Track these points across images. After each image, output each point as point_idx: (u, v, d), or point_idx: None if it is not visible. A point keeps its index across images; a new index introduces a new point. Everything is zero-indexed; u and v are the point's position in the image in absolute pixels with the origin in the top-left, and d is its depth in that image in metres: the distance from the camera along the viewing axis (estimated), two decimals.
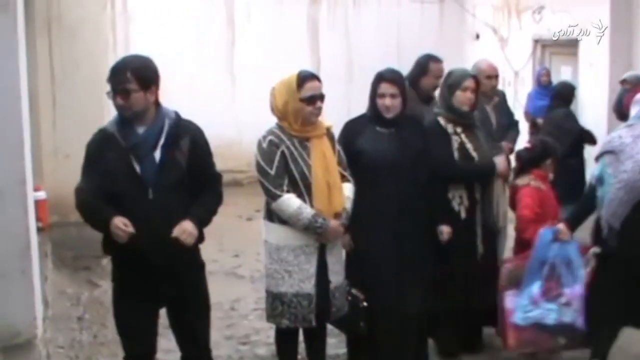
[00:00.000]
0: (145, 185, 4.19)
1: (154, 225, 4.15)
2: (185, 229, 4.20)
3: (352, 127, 5.46)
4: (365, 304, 5.24)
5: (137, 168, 4.21)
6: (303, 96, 4.91)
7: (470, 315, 5.93)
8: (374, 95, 5.40)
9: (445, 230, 5.65)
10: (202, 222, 4.33)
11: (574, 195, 6.26)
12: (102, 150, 4.23)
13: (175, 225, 4.20)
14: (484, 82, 6.81)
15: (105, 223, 4.11)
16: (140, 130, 4.24)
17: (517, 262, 5.67)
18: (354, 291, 5.24)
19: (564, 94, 9.44)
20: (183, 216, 4.24)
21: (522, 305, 5.39)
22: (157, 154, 4.24)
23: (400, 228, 5.33)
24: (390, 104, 5.31)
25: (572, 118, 9.33)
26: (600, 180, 5.05)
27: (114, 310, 4.51)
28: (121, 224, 4.08)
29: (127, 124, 4.23)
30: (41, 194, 9.02)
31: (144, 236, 4.10)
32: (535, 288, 5.37)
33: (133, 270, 4.29)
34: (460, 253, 5.77)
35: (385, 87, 5.34)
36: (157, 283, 4.29)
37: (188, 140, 4.33)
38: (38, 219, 7.98)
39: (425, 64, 6.84)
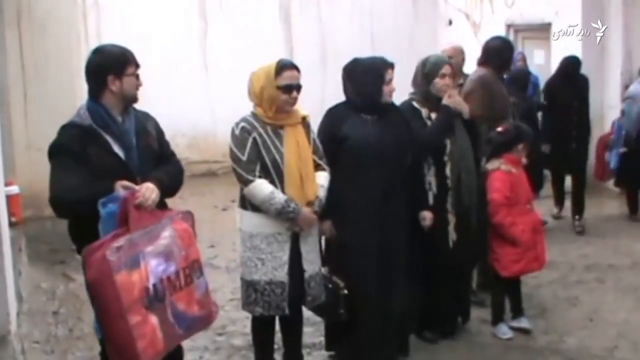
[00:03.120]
0: (133, 174, 4.11)
1: None
2: (147, 186, 4.04)
3: (336, 114, 5.44)
4: (345, 291, 5.23)
5: (123, 158, 4.16)
6: (280, 84, 4.91)
7: (445, 301, 5.99)
8: (380, 81, 5.37)
9: (427, 216, 5.70)
10: (162, 182, 4.16)
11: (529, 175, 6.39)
12: (84, 146, 4.07)
13: None
14: None
15: (111, 190, 3.92)
16: (119, 119, 4.19)
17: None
18: (334, 278, 5.24)
19: (519, 82, 9.44)
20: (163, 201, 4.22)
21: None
22: (134, 141, 4.22)
23: (383, 216, 5.34)
24: (394, 88, 5.44)
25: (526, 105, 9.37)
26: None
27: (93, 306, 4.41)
28: (127, 184, 3.96)
29: (106, 114, 4.13)
30: (14, 189, 8.95)
31: None
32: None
33: None
34: (430, 240, 5.79)
35: (390, 73, 5.41)
36: None
37: (152, 125, 4.38)
38: (11, 213, 7.93)
39: (509, 45, 7.33)
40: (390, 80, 5.39)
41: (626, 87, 10.76)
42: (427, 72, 5.90)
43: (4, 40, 9.52)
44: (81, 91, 9.88)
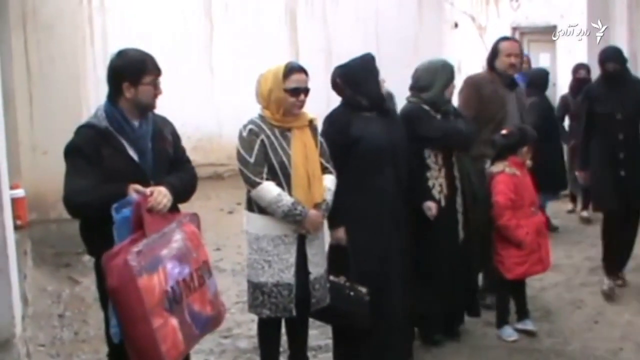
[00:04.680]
0: (147, 178, 4.12)
1: None
2: (159, 190, 4.05)
3: (338, 119, 5.45)
4: (367, 298, 5.23)
5: (138, 161, 4.17)
6: (287, 87, 4.93)
7: (453, 300, 6.02)
8: (377, 76, 5.53)
9: (432, 206, 5.73)
10: (175, 187, 4.17)
11: (549, 181, 6.30)
12: (98, 147, 4.08)
13: None
14: None
15: (123, 193, 3.94)
16: (136, 123, 4.19)
17: None
18: (356, 286, 5.23)
19: (538, 81, 9.43)
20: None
21: None
22: (149, 146, 4.23)
23: (396, 214, 5.43)
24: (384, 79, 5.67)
25: (546, 105, 9.33)
26: None
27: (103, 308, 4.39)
28: (139, 188, 3.97)
29: (122, 118, 4.13)
30: (19, 192, 8.94)
31: None
32: None
33: None
34: (444, 239, 5.88)
35: None
36: None
37: (169, 130, 4.39)
38: (16, 216, 7.92)
39: (495, 45, 6.86)
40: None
41: None
42: (449, 78, 5.99)
43: (9, 42, 9.52)
44: (86, 93, 9.93)
